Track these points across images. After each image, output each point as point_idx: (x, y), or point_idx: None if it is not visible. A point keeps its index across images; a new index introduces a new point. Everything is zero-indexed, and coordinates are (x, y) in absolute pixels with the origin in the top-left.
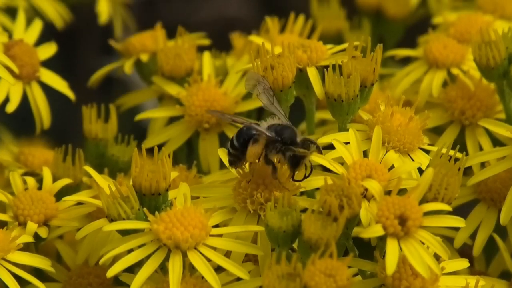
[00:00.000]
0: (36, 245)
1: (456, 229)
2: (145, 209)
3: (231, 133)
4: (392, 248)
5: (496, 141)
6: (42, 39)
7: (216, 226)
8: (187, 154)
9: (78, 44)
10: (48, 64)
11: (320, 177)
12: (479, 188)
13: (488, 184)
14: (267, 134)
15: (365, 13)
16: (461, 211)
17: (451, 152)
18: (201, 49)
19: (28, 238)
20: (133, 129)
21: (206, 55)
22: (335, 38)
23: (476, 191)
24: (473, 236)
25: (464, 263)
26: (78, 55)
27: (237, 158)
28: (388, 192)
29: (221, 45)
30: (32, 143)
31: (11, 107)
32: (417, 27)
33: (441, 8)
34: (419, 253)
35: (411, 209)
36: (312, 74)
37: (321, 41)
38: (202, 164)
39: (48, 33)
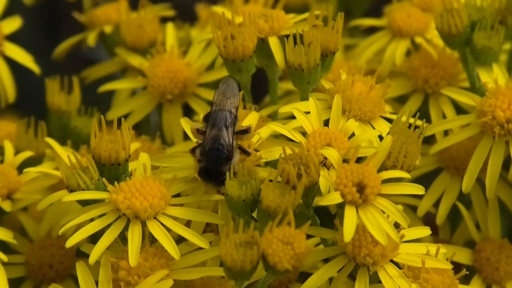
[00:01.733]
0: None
1: (420, 197)
2: (104, 179)
3: (194, 104)
4: (350, 216)
5: (460, 110)
6: (27, 18)
7: (178, 195)
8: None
9: (62, 24)
10: (32, 43)
11: (279, 148)
12: (443, 157)
13: (452, 152)
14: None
15: None
16: (426, 180)
17: (412, 120)
18: (165, 20)
19: None
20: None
21: (170, 26)
22: (301, 8)
23: (439, 160)
24: (437, 205)
25: (425, 231)
26: (62, 34)
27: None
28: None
29: (186, 16)
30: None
31: None
32: None
33: None
34: (377, 220)
35: (369, 177)
36: (274, 43)
37: (286, 12)
38: (166, 135)
39: (33, 14)
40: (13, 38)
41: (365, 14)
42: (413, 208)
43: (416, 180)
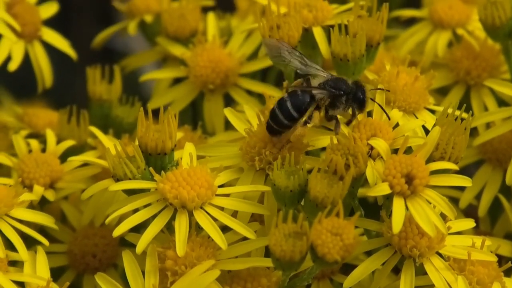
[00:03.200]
0: (41, 207)
1: (462, 189)
2: (151, 169)
3: (235, 94)
4: (398, 207)
5: (502, 102)
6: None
7: (223, 185)
8: (191, 116)
9: (74, 14)
10: None
11: (327, 137)
12: (485, 149)
13: (494, 145)
14: (330, 90)
15: None
16: (466, 172)
17: (457, 112)
18: (205, 10)
19: (31, 196)
20: (138, 92)
21: (211, 16)
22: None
23: (481, 152)
24: (478, 197)
25: (470, 223)
26: (74, 24)
27: (287, 128)
28: (395, 151)
29: (225, 6)
30: (33, 105)
31: (13, 65)
32: None
33: None
34: (426, 212)
35: (417, 168)
36: (318, 33)
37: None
38: (207, 125)
39: None
40: None
41: (403, 4)
42: (455, 200)
43: (458, 172)
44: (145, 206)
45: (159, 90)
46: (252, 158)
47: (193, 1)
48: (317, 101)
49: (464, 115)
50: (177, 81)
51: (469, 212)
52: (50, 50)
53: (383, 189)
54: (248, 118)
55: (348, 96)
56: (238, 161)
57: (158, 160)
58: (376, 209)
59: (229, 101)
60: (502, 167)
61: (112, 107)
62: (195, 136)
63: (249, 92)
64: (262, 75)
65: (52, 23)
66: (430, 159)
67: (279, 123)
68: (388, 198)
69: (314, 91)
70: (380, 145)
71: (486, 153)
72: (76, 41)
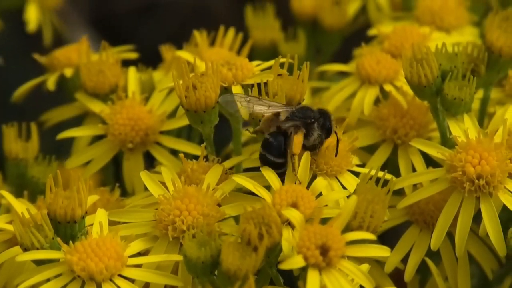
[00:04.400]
0: None
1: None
2: (58, 239)
3: (156, 153)
4: (312, 280)
5: (431, 160)
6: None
7: (138, 254)
8: (114, 172)
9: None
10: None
11: (241, 204)
12: (412, 210)
13: (421, 206)
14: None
15: (301, 24)
16: (398, 232)
17: (381, 174)
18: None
19: None
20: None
21: (132, 71)
22: (270, 49)
23: (408, 213)
24: (405, 260)
25: None
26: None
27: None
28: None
29: (154, 57)
30: None
31: None
32: (357, 36)
33: (381, 17)
34: (341, 284)
35: (333, 239)
36: (238, 92)
37: (254, 52)
38: (127, 185)
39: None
40: None
41: (337, 54)
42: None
43: (385, 233)
44: (56, 276)
45: (78, 147)
46: (165, 227)
47: (114, 54)
48: (290, 134)
49: (388, 176)
50: (101, 137)
51: (398, 275)
52: None
53: (296, 262)
54: (165, 181)
55: (318, 123)
56: (152, 229)
57: (67, 228)
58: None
59: (150, 160)
60: (429, 229)
61: (28, 166)
62: (112, 198)
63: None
64: (188, 132)
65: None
66: (348, 229)
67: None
68: (304, 269)
69: (285, 126)
70: (294, 216)
71: (413, 214)
72: None
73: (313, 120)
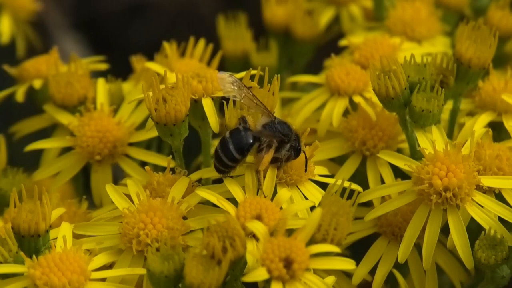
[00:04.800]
0: None
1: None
2: (21, 253)
3: (124, 165)
4: None
5: (400, 171)
6: None
7: (103, 267)
8: (84, 184)
9: None
10: None
11: (205, 218)
12: (380, 222)
13: (389, 218)
14: (278, 136)
15: (274, 34)
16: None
17: (347, 184)
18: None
19: None
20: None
21: (100, 82)
22: (241, 60)
23: (377, 225)
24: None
25: None
26: None
27: (232, 168)
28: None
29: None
30: None
31: None
32: (332, 46)
33: (354, 27)
34: None
35: (297, 252)
36: (207, 105)
37: (226, 63)
38: (94, 198)
39: None
40: None
41: (311, 64)
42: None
43: (353, 245)
44: None
45: (47, 159)
46: (130, 240)
47: (83, 65)
48: (262, 143)
49: (354, 186)
50: (71, 148)
51: (365, 287)
52: None
53: (260, 274)
54: (131, 194)
55: (290, 143)
56: (117, 242)
57: (31, 242)
58: None
59: (118, 172)
60: (397, 241)
61: None
62: (79, 211)
63: None
64: (158, 144)
65: None
66: (312, 241)
67: (224, 164)
68: (268, 282)
69: (261, 134)
70: (258, 228)
71: (381, 226)
72: None
73: (288, 140)
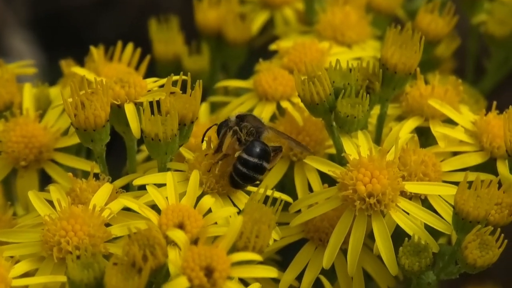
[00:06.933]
0: None
1: (284, 268)
2: None
3: (51, 170)
4: None
5: (327, 177)
6: None
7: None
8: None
9: None
10: None
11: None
12: (307, 227)
13: (316, 223)
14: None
15: (206, 37)
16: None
17: (269, 192)
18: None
19: None
20: None
21: (27, 87)
22: (173, 63)
23: (304, 230)
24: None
25: None
26: None
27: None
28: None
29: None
30: None
31: None
32: (267, 49)
33: (288, 31)
34: None
35: (218, 260)
36: (129, 111)
37: (158, 66)
38: (20, 204)
39: None
40: None
41: (245, 67)
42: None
43: (281, 251)
44: None
45: None
46: (51, 248)
47: (9, 70)
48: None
49: (277, 195)
50: None
51: None
52: None
53: (180, 283)
54: (53, 201)
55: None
56: (39, 249)
57: None
58: None
59: (45, 178)
60: (325, 246)
61: None
62: (5, 217)
63: None
64: (88, 149)
65: None
66: (234, 249)
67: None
68: None
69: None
70: (179, 236)
71: (308, 232)
72: None
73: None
